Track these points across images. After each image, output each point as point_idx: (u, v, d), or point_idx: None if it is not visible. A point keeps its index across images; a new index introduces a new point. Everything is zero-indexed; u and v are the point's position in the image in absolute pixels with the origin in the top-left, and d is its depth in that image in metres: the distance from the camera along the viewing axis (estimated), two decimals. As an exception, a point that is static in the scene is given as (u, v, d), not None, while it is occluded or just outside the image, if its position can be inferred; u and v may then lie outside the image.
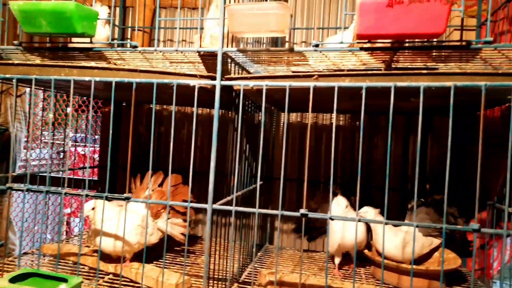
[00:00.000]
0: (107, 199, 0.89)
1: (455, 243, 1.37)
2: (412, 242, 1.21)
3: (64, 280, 0.84)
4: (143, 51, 0.96)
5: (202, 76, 0.86)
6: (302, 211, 0.80)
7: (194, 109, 0.82)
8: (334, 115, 0.80)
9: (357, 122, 1.61)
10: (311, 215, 0.80)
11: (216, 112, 0.83)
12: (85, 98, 2.04)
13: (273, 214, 0.85)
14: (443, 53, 0.91)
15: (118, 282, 1.03)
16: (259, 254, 1.40)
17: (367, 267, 1.29)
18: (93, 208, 1.05)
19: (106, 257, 1.12)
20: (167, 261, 1.24)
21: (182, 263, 1.26)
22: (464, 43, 0.80)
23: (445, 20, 0.72)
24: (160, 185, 1.22)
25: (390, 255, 1.16)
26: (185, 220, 1.18)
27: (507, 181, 0.75)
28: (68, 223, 2.58)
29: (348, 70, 0.96)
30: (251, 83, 0.83)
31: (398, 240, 1.16)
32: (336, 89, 0.79)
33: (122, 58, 1.05)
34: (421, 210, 1.34)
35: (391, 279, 1.16)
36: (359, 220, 0.77)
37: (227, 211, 0.88)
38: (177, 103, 1.67)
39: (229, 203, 0.92)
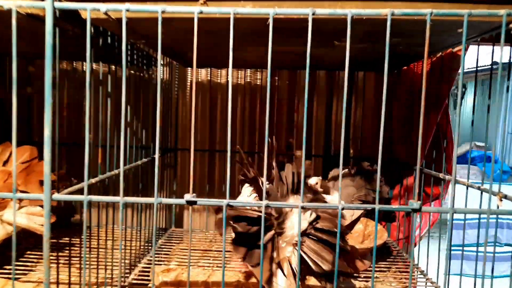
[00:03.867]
0: None
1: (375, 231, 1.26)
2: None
3: None
4: None
5: (24, -5, 0.55)
6: (188, 197, 0.55)
7: (13, 53, 0.52)
8: (230, 64, 0.55)
9: (276, 78, 1.39)
10: (201, 202, 0.56)
11: (48, 52, 0.53)
12: None
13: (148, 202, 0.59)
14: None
15: None
16: (159, 242, 1.15)
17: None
18: None
19: None
20: (25, 264, 0.92)
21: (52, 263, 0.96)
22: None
23: None
24: (7, 162, 0.88)
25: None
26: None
27: (418, 141, 0.57)
28: None
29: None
30: (104, 7, 0.54)
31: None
32: (232, 18, 0.53)
33: None
34: (345, 177, 1.19)
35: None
36: (267, 205, 0.55)
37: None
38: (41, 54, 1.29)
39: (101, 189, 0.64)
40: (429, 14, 0.53)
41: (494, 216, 0.56)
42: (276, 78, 1.39)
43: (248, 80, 1.41)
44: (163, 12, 0.54)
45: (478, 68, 0.78)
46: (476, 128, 0.80)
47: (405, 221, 1.25)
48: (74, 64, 1.34)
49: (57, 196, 0.56)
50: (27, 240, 1.03)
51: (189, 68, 1.39)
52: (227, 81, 1.40)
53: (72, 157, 1.14)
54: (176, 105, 1.35)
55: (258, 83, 1.41)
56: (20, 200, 0.86)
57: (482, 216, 0.77)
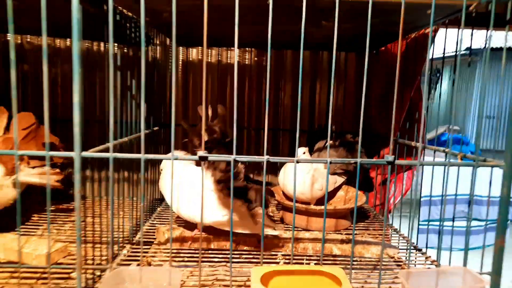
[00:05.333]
0: None
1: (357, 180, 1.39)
2: (321, 179, 1.18)
3: None
4: None
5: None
6: (201, 153, 0.64)
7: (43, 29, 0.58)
8: (236, 33, 0.64)
9: (263, 58, 1.48)
10: (212, 157, 0.65)
11: (75, 28, 0.60)
12: None
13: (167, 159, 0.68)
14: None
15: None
16: (159, 209, 1.23)
17: (276, 212, 1.22)
18: None
19: None
20: (36, 225, 1.00)
21: (60, 227, 1.04)
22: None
23: None
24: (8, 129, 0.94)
25: (298, 194, 1.11)
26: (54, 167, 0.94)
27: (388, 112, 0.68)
28: None
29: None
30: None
31: (307, 177, 1.11)
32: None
33: None
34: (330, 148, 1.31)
35: (300, 222, 1.11)
36: (268, 160, 0.65)
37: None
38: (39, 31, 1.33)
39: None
40: (404, -3, 0.63)
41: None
42: (264, 58, 1.48)
43: (237, 59, 1.49)
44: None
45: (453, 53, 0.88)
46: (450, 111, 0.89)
47: (381, 189, 1.38)
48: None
49: (85, 153, 0.64)
50: (32, 199, 1.10)
51: (180, 48, 1.46)
52: (218, 60, 1.48)
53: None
54: (170, 83, 1.41)
55: (247, 62, 1.49)
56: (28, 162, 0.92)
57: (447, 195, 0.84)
